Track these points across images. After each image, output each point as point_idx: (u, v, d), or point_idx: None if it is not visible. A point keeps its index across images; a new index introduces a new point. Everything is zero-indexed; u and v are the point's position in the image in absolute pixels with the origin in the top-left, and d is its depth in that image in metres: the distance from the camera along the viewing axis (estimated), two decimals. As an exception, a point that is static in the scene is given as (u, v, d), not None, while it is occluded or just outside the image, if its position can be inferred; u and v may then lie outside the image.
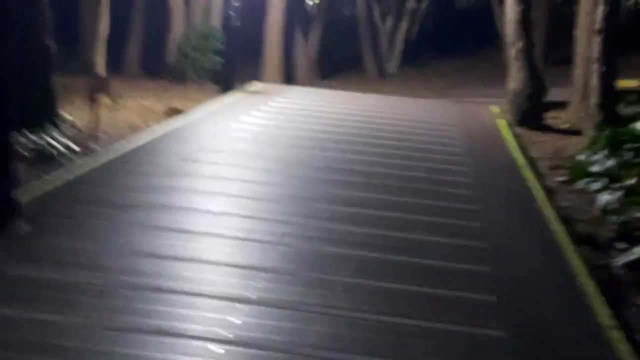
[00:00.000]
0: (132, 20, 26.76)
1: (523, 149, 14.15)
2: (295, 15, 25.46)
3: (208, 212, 8.91)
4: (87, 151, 12.05)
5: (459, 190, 10.75)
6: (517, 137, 15.25)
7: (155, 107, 18.87)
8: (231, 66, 17.34)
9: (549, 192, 11.29)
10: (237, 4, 17.28)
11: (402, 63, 28.04)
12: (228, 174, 10.59)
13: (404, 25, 27.99)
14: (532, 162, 13.23)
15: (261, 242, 8.11)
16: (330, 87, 24.96)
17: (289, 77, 25.08)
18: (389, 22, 28.02)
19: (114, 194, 9.22)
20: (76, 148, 11.82)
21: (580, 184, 11.70)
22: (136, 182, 9.73)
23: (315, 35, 26.20)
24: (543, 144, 15.20)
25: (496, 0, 29.70)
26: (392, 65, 27.68)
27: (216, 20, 23.58)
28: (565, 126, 16.85)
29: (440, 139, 14.16)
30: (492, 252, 8.35)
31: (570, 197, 11.15)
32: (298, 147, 12.41)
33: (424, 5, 28.58)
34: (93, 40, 20.54)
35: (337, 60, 27.81)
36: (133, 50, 26.49)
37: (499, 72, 28.18)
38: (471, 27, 31.25)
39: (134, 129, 15.39)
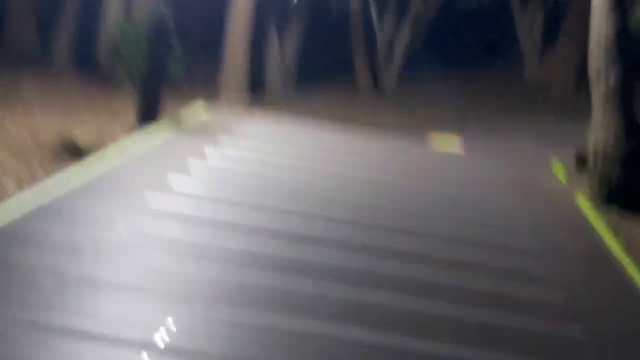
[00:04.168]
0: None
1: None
2: (269, 10, 18.45)
3: None
4: None
5: None
6: (617, 234, 8.51)
7: (48, 133, 11.84)
8: (153, 85, 10.30)
9: None
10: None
11: (400, 75, 21.09)
12: None
13: (406, 31, 20.94)
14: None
15: None
16: (309, 107, 18.00)
17: (258, 89, 18.12)
18: (388, 24, 21.00)
19: None
20: None
21: None
22: None
23: (293, 34, 19.18)
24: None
25: (517, 3, 22.90)
26: (389, 79, 20.70)
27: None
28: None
29: (502, 252, 7.35)
30: None
31: None
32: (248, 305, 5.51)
33: (432, 5, 21.52)
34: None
35: (320, 68, 20.84)
36: (63, 39, 19.60)
37: (522, 96, 21.48)
38: (480, 33, 24.38)
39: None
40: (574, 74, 20.11)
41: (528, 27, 22.45)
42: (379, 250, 6.86)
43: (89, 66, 18.35)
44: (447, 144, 12.62)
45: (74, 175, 7.93)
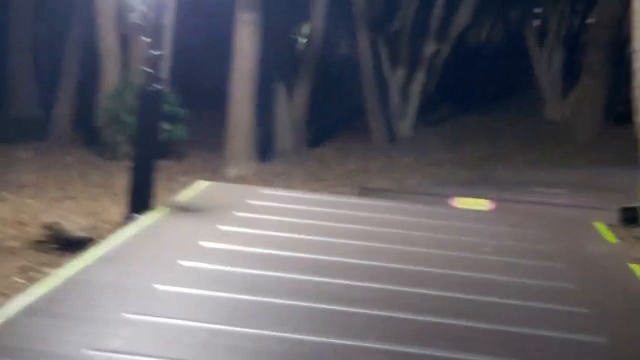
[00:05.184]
0: (64, 64, 18.69)
1: None
2: (276, 61, 17.18)
3: None
4: None
5: None
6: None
7: (36, 221, 10.49)
8: (145, 162, 9.00)
9: None
10: (158, 53, 9.05)
11: (415, 122, 19.73)
12: None
13: (420, 76, 19.60)
14: None
15: None
16: (322, 162, 16.67)
17: (267, 146, 16.83)
18: (400, 70, 19.69)
19: None
20: None
21: None
22: None
23: (302, 86, 17.90)
24: None
25: (534, 39, 21.58)
26: (405, 127, 19.36)
27: (166, 70, 15.36)
28: None
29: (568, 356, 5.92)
30: None
31: None
32: None
33: (445, 50, 20.16)
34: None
35: (332, 119, 19.53)
36: (64, 107, 18.48)
37: (546, 139, 20.01)
38: (495, 73, 23.06)
39: None
40: (600, 114, 18.72)
41: (546, 63, 21.11)
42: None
43: (90, 134, 17.14)
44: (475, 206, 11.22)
45: (39, 288, 6.55)
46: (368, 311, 6.40)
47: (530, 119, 20.58)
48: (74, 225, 10.09)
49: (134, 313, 5.95)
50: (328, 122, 19.37)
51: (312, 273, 7.22)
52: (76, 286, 6.60)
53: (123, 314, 5.92)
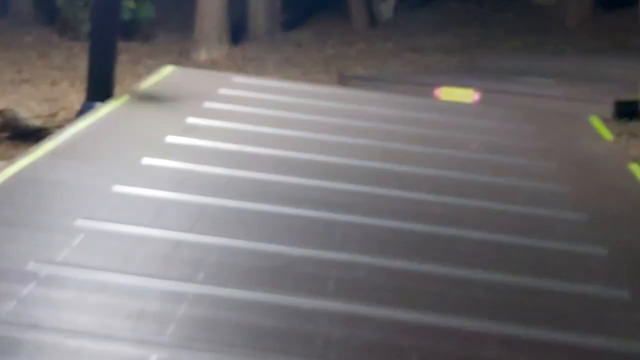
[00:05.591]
0: None
1: None
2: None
3: None
4: None
5: None
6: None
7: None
8: (105, 44, 8.27)
9: None
10: None
11: (397, 4, 18.81)
12: None
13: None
14: None
15: None
16: (298, 46, 15.89)
17: (240, 28, 15.98)
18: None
19: None
20: None
21: None
22: None
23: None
24: None
25: None
26: (386, 9, 18.46)
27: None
28: None
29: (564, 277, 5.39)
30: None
31: None
32: None
33: None
34: None
35: (310, 1, 18.59)
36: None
37: (533, 25, 19.10)
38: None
39: None
40: (591, -2, 17.87)
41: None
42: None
43: (51, 12, 16.17)
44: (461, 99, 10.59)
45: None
46: (349, 217, 5.83)
47: (518, 2, 19.72)
48: (29, 112, 9.44)
49: (87, 218, 5.33)
50: (305, 5, 18.44)
51: (288, 173, 6.60)
52: (23, 186, 5.95)
53: (76, 219, 5.31)
